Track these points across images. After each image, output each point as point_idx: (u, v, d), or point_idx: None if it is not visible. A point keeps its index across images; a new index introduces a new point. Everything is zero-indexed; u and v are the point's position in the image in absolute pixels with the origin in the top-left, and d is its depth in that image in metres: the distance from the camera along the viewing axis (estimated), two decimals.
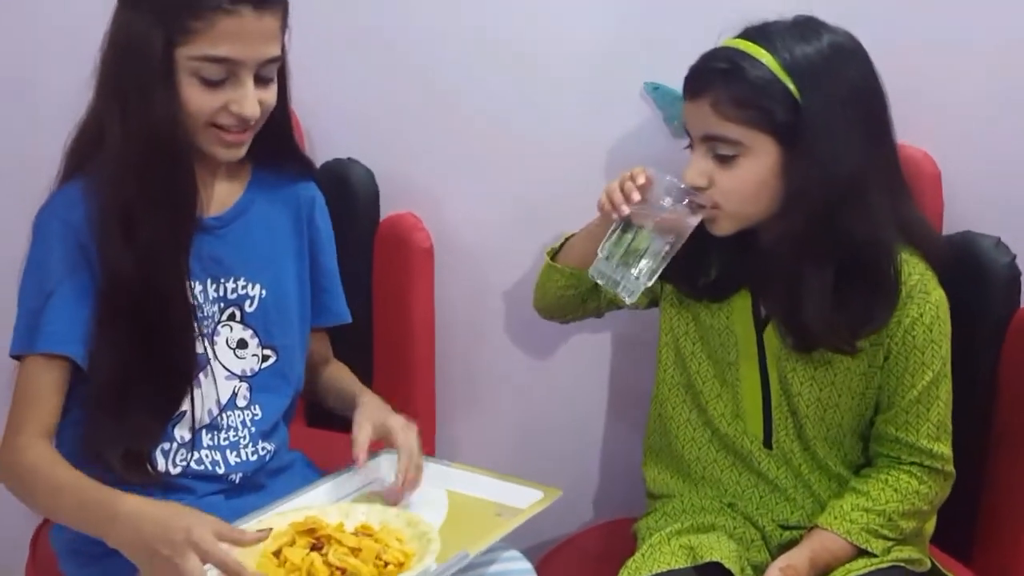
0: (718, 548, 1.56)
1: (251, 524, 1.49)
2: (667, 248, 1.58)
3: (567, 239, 1.81)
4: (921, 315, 1.58)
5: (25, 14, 2.08)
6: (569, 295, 1.79)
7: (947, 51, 1.79)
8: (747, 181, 1.56)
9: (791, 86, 1.53)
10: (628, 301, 1.61)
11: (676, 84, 1.88)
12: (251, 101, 1.50)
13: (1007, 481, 1.72)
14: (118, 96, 1.49)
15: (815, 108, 1.53)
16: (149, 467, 1.55)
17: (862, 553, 1.58)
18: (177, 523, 1.34)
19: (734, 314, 1.68)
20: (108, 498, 1.42)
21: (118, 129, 1.49)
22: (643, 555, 1.58)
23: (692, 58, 1.86)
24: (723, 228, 1.61)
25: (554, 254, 1.81)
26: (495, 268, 2.05)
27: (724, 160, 1.57)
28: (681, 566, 1.54)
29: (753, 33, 1.59)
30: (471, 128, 2.01)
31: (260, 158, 1.63)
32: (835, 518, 1.59)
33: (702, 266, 1.68)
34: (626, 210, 1.58)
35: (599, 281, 1.61)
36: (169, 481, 1.56)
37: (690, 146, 1.63)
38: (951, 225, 1.77)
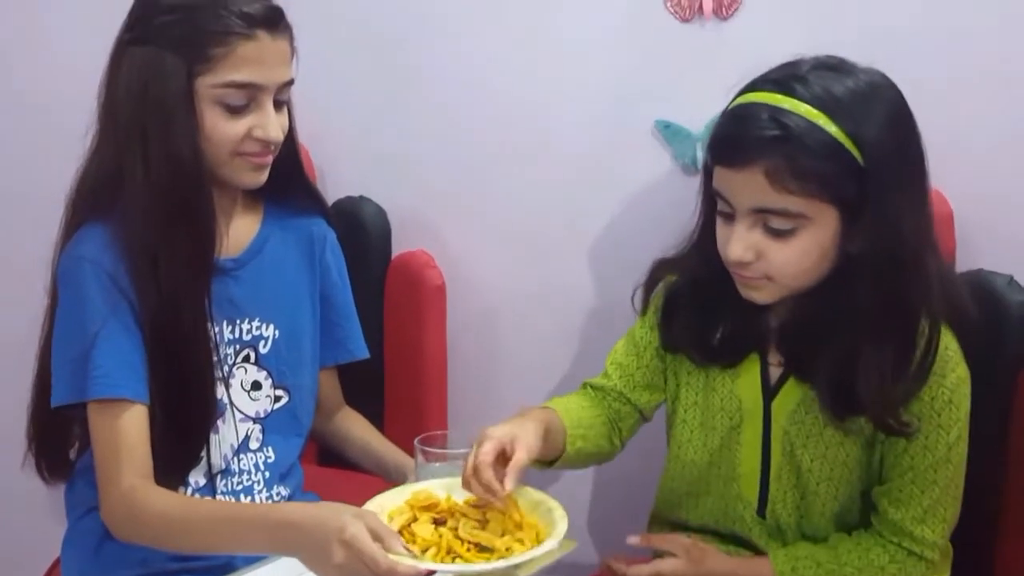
0: None
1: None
2: None
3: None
4: (932, 399, 1.48)
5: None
6: (589, 453, 1.64)
7: (959, 89, 1.79)
8: (807, 253, 1.43)
9: (853, 150, 1.39)
10: None
11: (686, 122, 1.90)
12: (274, 124, 1.52)
13: (1023, 520, 1.71)
14: (137, 136, 1.48)
15: (880, 172, 1.40)
16: None
17: None
18: (333, 523, 1.32)
19: (740, 378, 1.59)
20: (263, 513, 1.43)
21: (139, 169, 1.48)
22: None
23: (701, 96, 1.88)
24: (769, 297, 1.49)
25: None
26: (506, 306, 2.05)
27: (778, 234, 1.42)
28: None
29: (784, 84, 1.43)
30: (482, 165, 2.02)
31: (271, 191, 1.63)
32: (784, 555, 1.55)
33: (711, 332, 1.58)
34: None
35: None
36: None
37: (721, 211, 1.49)
38: (964, 263, 1.76)
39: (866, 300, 1.43)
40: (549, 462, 1.58)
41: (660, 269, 1.66)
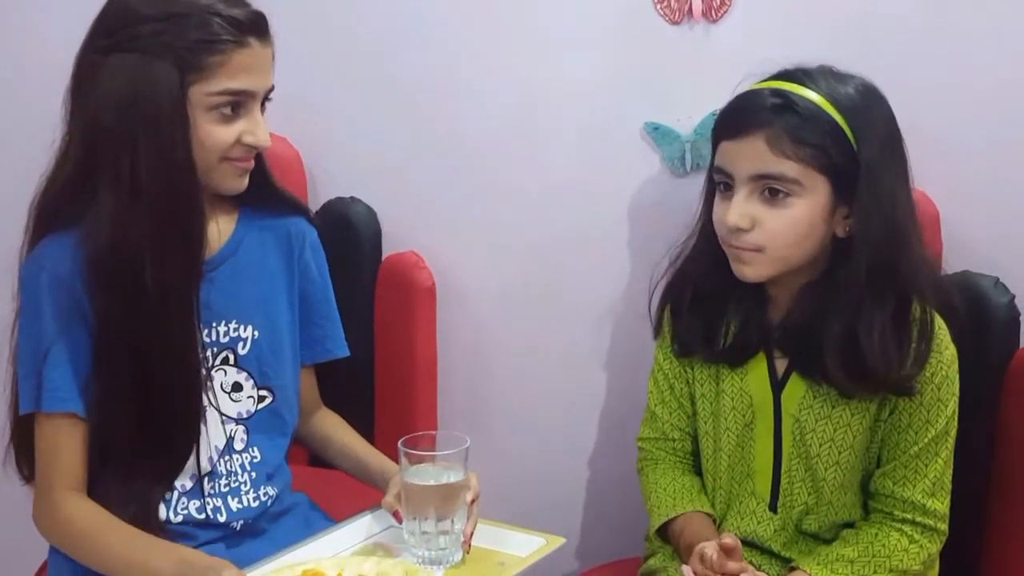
0: None
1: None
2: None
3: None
4: (932, 375, 1.56)
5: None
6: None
7: (944, 92, 1.80)
8: (798, 222, 1.52)
9: (845, 128, 1.51)
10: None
11: (675, 124, 1.91)
12: (263, 130, 1.53)
13: (1009, 521, 1.72)
14: (126, 143, 1.47)
15: (871, 152, 1.51)
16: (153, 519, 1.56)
17: None
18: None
19: (749, 376, 1.65)
20: (145, 549, 1.47)
21: (125, 176, 1.47)
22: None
23: (690, 98, 1.89)
24: (758, 273, 1.57)
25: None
26: (497, 307, 2.05)
27: (774, 201, 1.52)
28: None
29: (791, 75, 1.56)
30: (473, 167, 2.02)
31: (245, 196, 1.62)
32: (814, 561, 1.57)
33: (720, 330, 1.65)
34: None
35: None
36: (170, 529, 1.56)
37: (720, 187, 1.58)
38: (950, 265, 1.77)
39: (860, 281, 1.52)
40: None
41: (669, 289, 1.72)
